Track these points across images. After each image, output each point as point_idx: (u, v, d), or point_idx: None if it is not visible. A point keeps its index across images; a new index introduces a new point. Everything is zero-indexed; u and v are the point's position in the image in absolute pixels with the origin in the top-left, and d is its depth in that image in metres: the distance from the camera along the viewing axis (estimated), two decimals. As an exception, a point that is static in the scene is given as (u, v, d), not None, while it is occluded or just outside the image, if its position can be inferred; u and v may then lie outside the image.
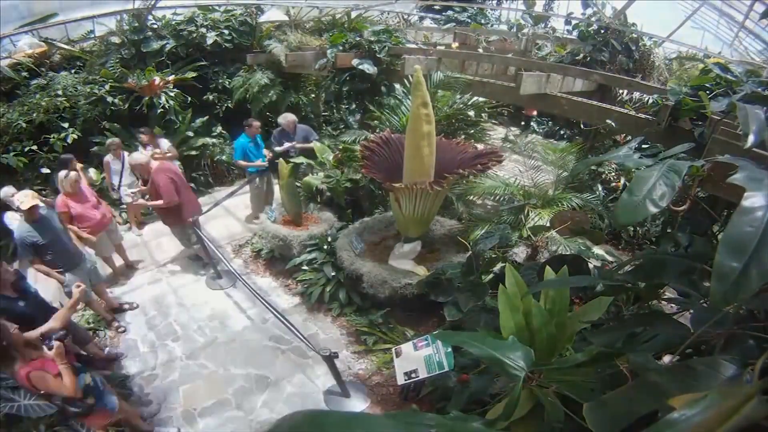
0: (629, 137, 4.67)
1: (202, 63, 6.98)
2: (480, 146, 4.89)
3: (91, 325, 4.32)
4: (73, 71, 6.43)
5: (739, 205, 0.89)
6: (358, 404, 3.48)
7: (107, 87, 6.15)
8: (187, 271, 5.23)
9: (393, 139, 4.48)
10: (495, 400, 2.28)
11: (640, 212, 1.16)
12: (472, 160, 4.07)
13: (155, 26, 6.91)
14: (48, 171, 5.64)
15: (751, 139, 1.35)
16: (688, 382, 0.98)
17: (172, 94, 6.51)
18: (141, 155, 4.61)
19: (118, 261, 5.15)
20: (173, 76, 6.63)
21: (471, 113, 5.39)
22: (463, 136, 5.03)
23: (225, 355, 4.00)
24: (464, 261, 3.63)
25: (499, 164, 4.00)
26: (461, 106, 5.20)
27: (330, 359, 3.16)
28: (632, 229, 5.59)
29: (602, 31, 5.35)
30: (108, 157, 5.37)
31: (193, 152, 6.99)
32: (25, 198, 3.30)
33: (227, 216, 6.49)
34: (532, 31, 6.69)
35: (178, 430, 3.29)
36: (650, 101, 4.26)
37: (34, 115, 5.47)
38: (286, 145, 5.75)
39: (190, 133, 6.86)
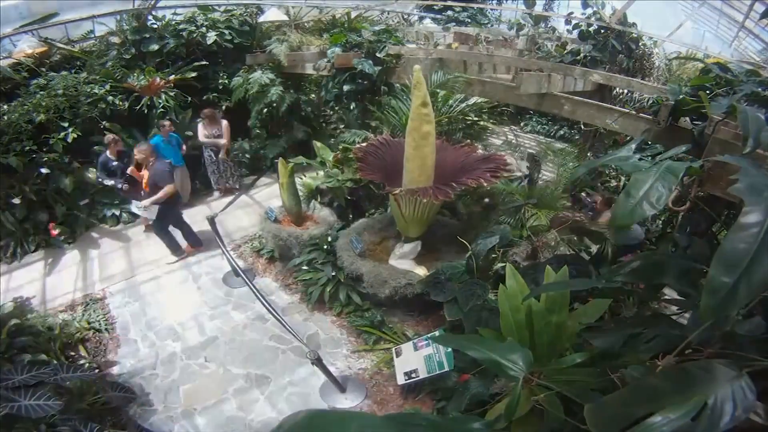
0: (629, 137, 4.67)
1: (202, 63, 6.97)
2: (481, 150, 4.88)
3: (91, 325, 4.33)
4: (73, 71, 6.42)
5: (737, 221, 0.90)
6: (354, 397, 3.50)
7: (107, 87, 6.14)
8: (187, 270, 5.24)
9: (392, 141, 4.48)
10: (495, 400, 2.29)
11: (637, 214, 1.16)
12: (475, 164, 4.07)
13: (155, 26, 6.91)
14: (48, 171, 5.64)
15: (750, 143, 1.36)
16: (684, 385, 0.99)
17: (172, 94, 6.50)
18: None
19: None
20: (173, 76, 6.63)
21: (471, 114, 5.40)
22: (468, 140, 5.03)
23: (225, 355, 4.01)
24: (464, 261, 3.63)
25: (506, 171, 3.97)
26: (462, 106, 5.20)
27: (319, 362, 3.18)
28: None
29: (602, 31, 5.34)
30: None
31: (194, 152, 6.98)
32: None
33: (225, 216, 6.49)
34: (533, 31, 6.68)
35: None
36: (650, 101, 4.25)
37: (35, 114, 5.47)
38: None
39: (190, 133, 6.86)
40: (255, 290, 3.63)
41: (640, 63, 5.53)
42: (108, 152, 5.44)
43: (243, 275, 4.14)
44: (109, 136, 5.47)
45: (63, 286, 5.00)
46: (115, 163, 5.45)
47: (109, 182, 5.40)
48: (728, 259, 0.87)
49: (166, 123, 5.96)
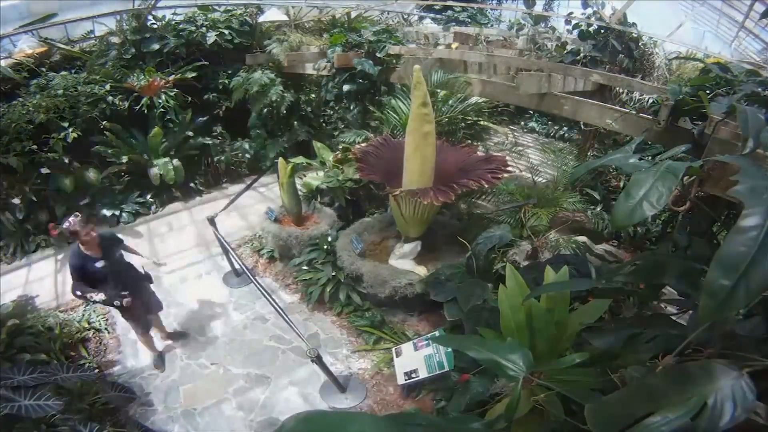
0: (629, 137, 4.66)
1: (202, 63, 6.98)
2: (481, 150, 4.88)
3: (91, 325, 4.33)
4: (73, 71, 6.42)
5: (736, 224, 0.91)
6: (354, 397, 3.50)
7: (107, 87, 6.15)
8: (187, 271, 5.24)
9: (391, 141, 4.48)
10: (495, 401, 2.29)
11: (637, 215, 1.16)
12: (476, 165, 4.07)
13: (155, 26, 6.91)
14: (48, 171, 5.64)
15: (750, 143, 1.36)
16: (684, 385, 0.99)
17: (172, 94, 6.50)
18: None
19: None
20: (173, 76, 6.63)
21: (471, 114, 5.39)
22: (468, 141, 5.03)
23: (225, 355, 4.01)
24: (464, 261, 3.63)
25: (507, 172, 3.97)
26: (462, 106, 5.20)
27: (319, 360, 3.17)
28: (632, 228, 5.59)
29: (602, 31, 5.34)
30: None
31: (193, 152, 7.00)
32: None
33: (225, 216, 6.49)
34: (533, 31, 6.68)
35: None
36: (650, 101, 4.25)
37: (35, 114, 5.47)
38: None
39: (190, 133, 6.87)
40: (259, 286, 3.63)
41: (641, 63, 5.52)
42: (81, 247, 3.17)
43: (247, 272, 4.14)
44: (73, 220, 3.07)
45: (63, 286, 5.00)
46: (98, 264, 3.23)
47: (99, 296, 3.17)
48: (727, 262, 0.87)
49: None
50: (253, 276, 4.53)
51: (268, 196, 7.06)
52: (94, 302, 3.35)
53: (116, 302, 3.26)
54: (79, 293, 3.20)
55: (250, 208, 6.66)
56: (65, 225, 3.10)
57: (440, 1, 11.48)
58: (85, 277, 3.21)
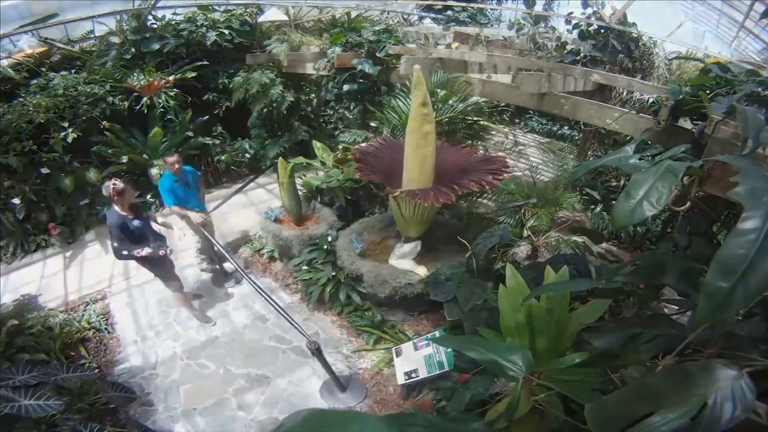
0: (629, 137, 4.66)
1: (202, 63, 6.98)
2: (481, 151, 4.88)
3: (91, 325, 4.33)
4: (73, 71, 6.42)
5: (736, 226, 0.91)
6: (354, 397, 3.50)
7: (107, 87, 6.15)
8: (187, 271, 5.23)
9: (391, 141, 4.48)
10: (495, 401, 2.29)
11: (637, 215, 1.16)
12: (476, 165, 4.07)
13: (155, 26, 6.91)
14: (48, 171, 5.64)
15: (750, 144, 1.36)
16: (684, 385, 0.99)
17: (172, 94, 6.50)
18: None
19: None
20: (173, 76, 6.63)
21: (471, 114, 5.39)
22: (468, 141, 5.03)
23: (225, 355, 4.01)
24: (464, 261, 3.63)
25: (507, 172, 3.96)
26: (462, 106, 5.20)
27: (318, 352, 3.17)
28: (632, 228, 5.60)
29: (602, 31, 5.34)
30: None
31: (193, 152, 7.00)
32: None
33: (225, 216, 6.49)
34: (533, 31, 6.68)
35: None
36: (650, 101, 4.25)
37: (35, 114, 5.47)
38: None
39: (190, 133, 6.87)
40: (252, 281, 3.63)
41: (641, 63, 5.52)
42: (117, 208, 3.60)
43: (241, 270, 4.12)
44: (117, 185, 3.52)
45: (64, 286, 5.00)
46: (136, 222, 3.69)
47: (145, 250, 3.68)
48: (726, 264, 0.88)
49: (171, 158, 4.23)
50: (242, 276, 4.61)
51: (269, 195, 7.06)
52: (140, 258, 3.71)
53: (161, 251, 3.78)
54: (125, 253, 3.64)
55: (250, 207, 6.67)
56: (111, 186, 3.49)
57: (440, 1, 11.47)
58: (126, 236, 3.62)
